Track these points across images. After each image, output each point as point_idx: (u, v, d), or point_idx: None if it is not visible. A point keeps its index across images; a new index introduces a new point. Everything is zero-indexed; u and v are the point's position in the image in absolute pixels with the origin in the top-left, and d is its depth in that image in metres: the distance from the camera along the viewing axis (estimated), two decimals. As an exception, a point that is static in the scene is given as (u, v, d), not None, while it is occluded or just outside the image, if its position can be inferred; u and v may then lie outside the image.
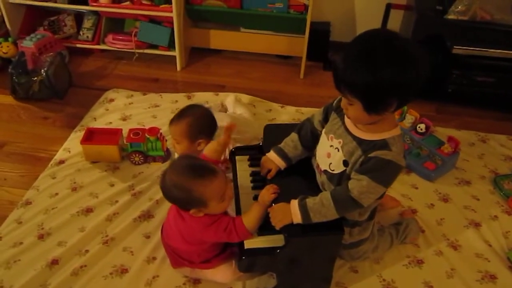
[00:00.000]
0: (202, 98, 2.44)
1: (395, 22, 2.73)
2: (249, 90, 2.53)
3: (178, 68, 2.74)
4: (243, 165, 1.60)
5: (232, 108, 2.24)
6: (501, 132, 2.36)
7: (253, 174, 1.56)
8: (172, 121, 1.70)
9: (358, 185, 1.22)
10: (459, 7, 2.16)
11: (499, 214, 1.86)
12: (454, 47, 2.27)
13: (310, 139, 1.47)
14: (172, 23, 2.57)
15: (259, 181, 1.52)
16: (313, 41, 2.66)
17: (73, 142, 2.07)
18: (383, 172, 1.22)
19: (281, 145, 1.48)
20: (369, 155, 1.22)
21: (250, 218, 1.34)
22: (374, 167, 1.21)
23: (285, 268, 1.37)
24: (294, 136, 1.49)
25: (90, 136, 1.97)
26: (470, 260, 1.66)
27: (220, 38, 2.81)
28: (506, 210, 1.88)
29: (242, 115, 2.17)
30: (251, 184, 1.53)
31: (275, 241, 1.34)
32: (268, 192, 1.36)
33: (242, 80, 2.69)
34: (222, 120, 1.96)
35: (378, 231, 1.61)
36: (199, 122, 1.68)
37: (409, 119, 2.14)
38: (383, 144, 1.22)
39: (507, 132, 2.36)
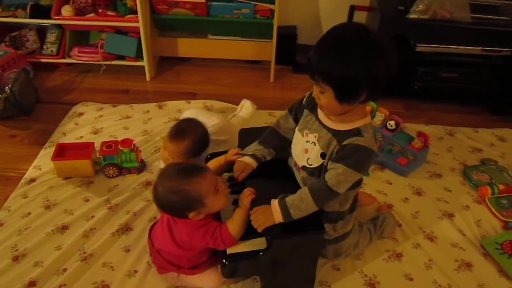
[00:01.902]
0: (174, 107, 2.42)
1: (360, 23, 2.79)
2: (221, 96, 2.54)
3: (148, 78, 2.72)
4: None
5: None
6: (468, 125, 2.45)
7: (229, 179, 1.56)
8: (172, 139, 1.68)
9: (334, 173, 1.25)
10: (420, 6, 2.24)
11: (471, 204, 1.93)
12: (418, 45, 2.35)
13: (275, 141, 1.52)
14: (138, 33, 2.54)
15: (236, 185, 1.52)
16: (281, 45, 2.69)
17: (44, 159, 2.02)
18: (357, 158, 1.25)
19: (246, 152, 1.51)
20: (343, 143, 1.26)
21: (235, 224, 1.34)
22: (348, 153, 1.25)
23: (269, 271, 1.38)
24: (256, 145, 1.52)
25: (61, 152, 1.93)
26: (447, 250, 1.71)
27: (188, 46, 2.80)
28: (476, 200, 1.95)
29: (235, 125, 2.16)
30: (229, 189, 1.53)
31: (258, 244, 1.34)
32: (245, 195, 1.38)
33: (213, 86, 2.69)
34: (224, 134, 1.95)
35: (358, 227, 1.64)
36: (201, 142, 1.71)
37: (379, 117, 2.19)
38: (356, 132, 1.26)
39: (473, 125, 2.45)
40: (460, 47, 2.37)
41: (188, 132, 1.68)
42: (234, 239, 1.33)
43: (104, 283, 1.50)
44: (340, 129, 1.29)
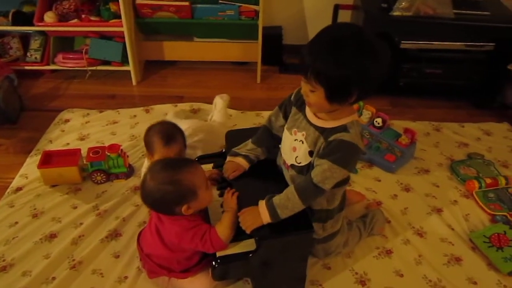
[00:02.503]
0: (161, 110, 2.41)
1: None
2: (208, 99, 2.52)
3: (134, 82, 2.70)
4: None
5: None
6: (453, 120, 2.47)
7: (219, 181, 1.56)
8: (167, 144, 1.64)
9: (320, 170, 1.26)
10: (403, 3, 2.25)
11: (458, 198, 1.94)
12: (402, 42, 2.37)
13: (269, 140, 1.52)
14: (123, 37, 2.53)
15: (225, 187, 1.52)
16: (267, 46, 2.69)
17: (30, 168, 2.00)
18: (342, 154, 1.25)
19: (238, 150, 1.51)
20: (329, 139, 1.26)
21: (223, 227, 1.34)
22: (333, 149, 1.25)
23: (259, 272, 1.38)
24: (250, 144, 1.52)
25: (48, 160, 1.91)
26: (436, 245, 1.72)
27: (174, 50, 2.79)
28: (464, 194, 1.97)
29: (210, 123, 2.16)
30: (218, 192, 1.53)
31: (247, 246, 1.34)
32: (228, 197, 1.38)
33: (200, 89, 2.68)
34: (197, 134, 1.95)
35: (347, 225, 1.65)
36: (185, 142, 1.74)
37: (366, 115, 2.20)
38: (342, 128, 1.27)
39: (458, 120, 2.48)
40: (444, 43, 2.39)
41: (177, 135, 1.68)
42: (223, 243, 1.33)
43: (94, 291, 1.49)
44: (328, 126, 1.30)
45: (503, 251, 1.69)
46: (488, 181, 1.98)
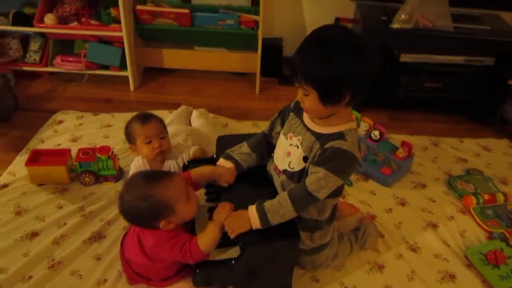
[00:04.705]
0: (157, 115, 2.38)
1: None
2: (205, 107, 2.49)
3: (131, 88, 2.69)
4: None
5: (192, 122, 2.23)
6: (452, 135, 2.43)
7: (207, 186, 1.52)
8: (147, 121, 1.70)
9: (315, 178, 1.22)
10: (402, 15, 2.24)
11: (455, 214, 1.89)
12: (401, 55, 2.35)
13: (265, 148, 1.48)
14: (123, 43, 2.52)
15: (213, 193, 1.48)
16: (266, 57, 2.67)
17: (19, 166, 1.96)
18: (338, 162, 1.22)
19: (232, 153, 1.46)
20: (325, 146, 1.23)
21: (205, 239, 1.29)
22: (330, 157, 1.22)
23: (243, 281, 1.32)
24: (245, 147, 1.48)
25: (36, 158, 1.87)
26: (430, 262, 1.66)
27: (173, 57, 2.78)
28: (461, 210, 1.91)
29: (200, 129, 2.13)
30: (205, 197, 1.49)
31: (232, 253, 1.30)
32: (223, 210, 1.31)
33: (198, 97, 2.66)
34: (179, 134, 1.93)
35: (337, 237, 1.60)
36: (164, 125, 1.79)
37: (363, 127, 2.16)
38: (339, 136, 1.24)
39: (457, 135, 2.44)
40: (443, 56, 2.37)
41: (152, 115, 1.76)
42: (203, 254, 1.28)
43: (71, 292, 1.44)
44: (324, 132, 1.26)
45: (499, 269, 1.62)
46: (486, 197, 1.93)
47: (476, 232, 1.80)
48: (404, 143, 2.08)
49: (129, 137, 1.72)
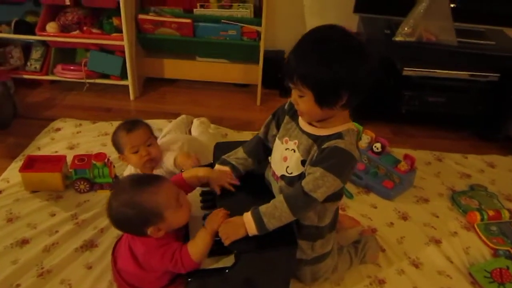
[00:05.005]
0: (155, 125, 2.32)
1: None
2: (206, 118, 2.47)
3: (132, 97, 2.67)
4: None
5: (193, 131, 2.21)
6: (456, 151, 2.38)
7: (203, 194, 1.48)
8: (133, 129, 1.70)
9: (312, 178, 1.18)
10: (405, 28, 2.22)
11: (459, 230, 1.83)
12: (405, 68, 2.32)
13: (261, 152, 1.43)
14: (124, 52, 2.51)
15: (209, 200, 1.44)
16: (268, 70, 2.66)
17: (13, 172, 1.92)
18: (335, 161, 1.17)
19: (228, 157, 1.42)
20: (322, 147, 1.19)
21: (196, 247, 1.24)
22: (327, 156, 1.18)
23: (232, 284, 1.26)
24: (241, 152, 1.44)
25: (31, 164, 1.84)
26: (432, 278, 1.60)
27: (174, 68, 2.77)
28: (465, 226, 1.86)
29: (198, 138, 2.10)
30: (201, 204, 1.44)
31: (227, 261, 1.24)
32: (217, 217, 1.26)
33: (198, 108, 2.64)
34: (176, 142, 1.90)
35: (337, 250, 1.54)
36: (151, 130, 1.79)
37: (365, 139, 2.13)
38: (336, 136, 1.20)
39: (461, 151, 2.38)
40: (447, 71, 2.34)
41: (139, 122, 1.75)
42: (195, 263, 1.23)
43: (59, 302, 1.39)
44: (322, 134, 1.23)
45: (505, 287, 1.56)
46: (491, 213, 1.88)
47: (480, 249, 1.74)
48: (406, 156, 2.03)
49: (117, 147, 1.73)
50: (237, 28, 2.50)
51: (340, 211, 1.84)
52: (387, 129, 2.54)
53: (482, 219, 1.86)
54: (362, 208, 1.90)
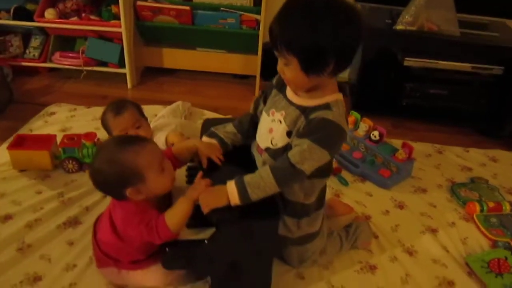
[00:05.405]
0: (150, 111, 2.29)
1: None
2: (203, 107, 2.45)
3: (129, 85, 2.65)
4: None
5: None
6: (457, 145, 2.31)
7: (189, 169, 1.44)
8: (120, 112, 1.67)
9: (299, 150, 1.13)
10: (406, 17, 2.18)
11: (457, 221, 1.77)
12: (406, 59, 2.26)
13: (250, 128, 1.39)
14: (122, 39, 2.50)
15: (194, 175, 1.38)
16: (268, 61, 2.62)
17: (2, 152, 1.89)
18: (323, 132, 1.13)
19: (216, 130, 1.38)
20: (310, 117, 1.15)
21: (174, 216, 1.19)
22: (315, 127, 1.13)
23: (217, 266, 1.21)
24: (230, 126, 1.40)
25: (20, 143, 1.82)
26: (427, 266, 1.54)
27: (173, 57, 2.75)
28: (464, 217, 1.79)
29: (192, 122, 2.08)
30: (186, 179, 1.40)
31: (207, 235, 1.20)
32: (199, 186, 1.21)
33: (196, 97, 2.60)
34: (169, 125, 1.87)
35: (328, 234, 1.49)
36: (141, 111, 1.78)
37: (363, 128, 2.08)
38: (324, 107, 1.15)
39: (462, 146, 2.31)
40: (449, 62, 2.28)
41: (127, 103, 1.70)
42: (171, 233, 1.17)
43: (36, 275, 1.34)
44: (309, 105, 1.18)
45: (503, 278, 1.50)
46: (491, 205, 1.81)
47: (479, 240, 1.67)
48: (404, 145, 1.98)
49: (106, 129, 1.71)
50: (236, 16, 2.47)
51: (334, 197, 1.80)
52: (386, 122, 2.47)
53: (481, 210, 1.79)
54: (357, 195, 1.85)
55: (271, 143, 1.23)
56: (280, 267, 1.43)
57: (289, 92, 1.24)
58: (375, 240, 1.62)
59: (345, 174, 1.97)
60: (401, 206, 1.82)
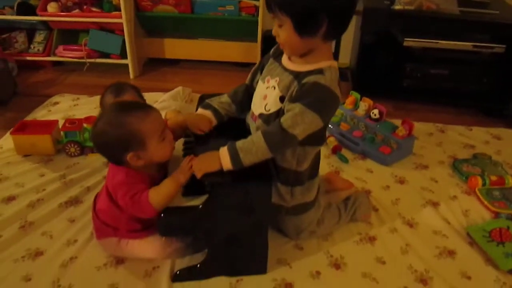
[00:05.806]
0: (152, 98, 2.31)
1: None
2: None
3: (132, 76, 2.68)
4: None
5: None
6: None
7: (185, 143, 1.45)
8: (119, 95, 1.64)
9: (291, 114, 1.13)
10: (404, -4, 2.17)
11: (459, 195, 1.75)
12: (405, 39, 2.26)
13: (245, 99, 1.39)
14: (123, 31, 2.53)
15: (190, 148, 1.40)
16: (268, 50, 2.60)
17: (7, 140, 1.94)
18: (315, 97, 1.13)
19: (211, 101, 1.39)
20: (302, 81, 1.15)
21: (158, 194, 1.18)
22: (306, 91, 1.14)
23: (211, 233, 1.22)
24: (225, 97, 1.41)
25: (23, 128, 1.85)
26: (427, 237, 1.53)
27: (174, 47, 2.78)
28: (466, 191, 1.78)
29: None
30: (182, 153, 1.42)
31: (201, 202, 1.20)
32: (187, 166, 1.20)
33: (197, 85, 2.62)
34: (169, 107, 1.89)
35: (326, 205, 1.49)
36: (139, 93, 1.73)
37: (362, 107, 2.07)
38: (317, 72, 1.16)
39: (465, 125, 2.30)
40: (450, 42, 2.26)
41: (127, 86, 1.67)
42: (153, 210, 1.17)
43: (38, 250, 1.37)
44: (303, 70, 1.19)
45: (504, 246, 1.48)
46: (493, 178, 1.79)
47: (480, 212, 1.66)
48: (404, 122, 1.97)
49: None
50: (235, 3, 2.49)
51: (332, 172, 1.80)
52: (388, 105, 2.44)
53: (484, 184, 1.78)
54: (357, 172, 1.85)
55: (265, 109, 1.24)
56: (278, 239, 1.43)
57: (284, 59, 1.26)
58: (374, 213, 1.61)
59: (345, 152, 1.96)
60: (401, 181, 1.81)
